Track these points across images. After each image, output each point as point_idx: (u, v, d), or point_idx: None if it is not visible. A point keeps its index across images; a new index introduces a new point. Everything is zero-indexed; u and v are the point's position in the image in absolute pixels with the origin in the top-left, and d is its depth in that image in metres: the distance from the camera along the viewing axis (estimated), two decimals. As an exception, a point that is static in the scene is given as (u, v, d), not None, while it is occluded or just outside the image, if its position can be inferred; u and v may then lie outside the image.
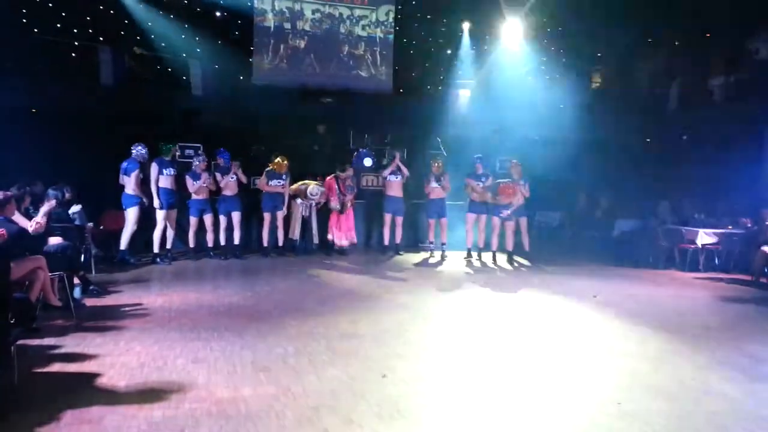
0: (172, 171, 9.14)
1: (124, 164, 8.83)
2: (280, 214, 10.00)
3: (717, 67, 12.14)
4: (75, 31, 12.37)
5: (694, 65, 12.95)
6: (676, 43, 13.89)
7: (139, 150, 8.86)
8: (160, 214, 9.00)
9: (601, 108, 14.09)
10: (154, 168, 8.93)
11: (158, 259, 9.05)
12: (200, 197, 9.41)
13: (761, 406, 3.99)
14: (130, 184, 8.75)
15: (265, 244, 10.04)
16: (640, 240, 10.59)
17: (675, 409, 3.89)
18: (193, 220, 9.45)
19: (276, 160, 9.80)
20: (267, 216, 9.93)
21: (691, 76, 12.85)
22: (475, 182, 10.18)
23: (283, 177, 9.92)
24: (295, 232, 10.32)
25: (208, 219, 9.50)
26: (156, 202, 8.93)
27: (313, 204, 10.21)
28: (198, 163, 9.40)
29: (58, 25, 12.18)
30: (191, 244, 9.56)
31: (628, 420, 3.68)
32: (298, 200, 10.15)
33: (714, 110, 11.96)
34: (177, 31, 13.35)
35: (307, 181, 10.19)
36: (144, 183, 8.92)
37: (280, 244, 10.13)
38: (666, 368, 4.72)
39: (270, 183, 9.83)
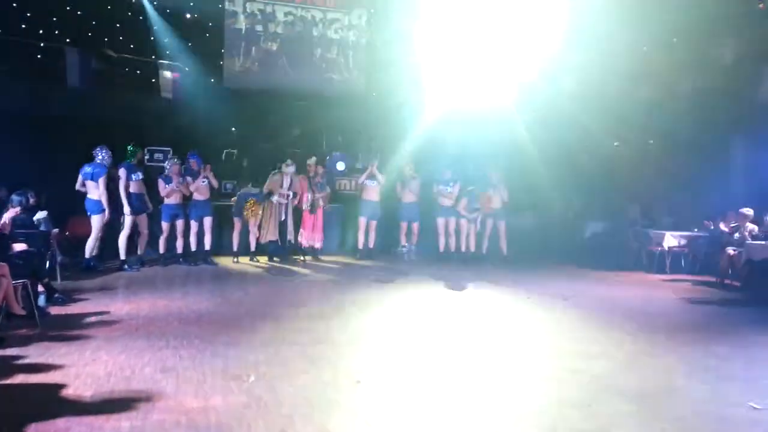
0: (140, 175, 8.98)
1: (89, 169, 8.53)
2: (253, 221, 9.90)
3: (684, 73, 12.37)
4: (41, 31, 12.10)
5: (661, 70, 13.19)
6: (644, 48, 14.14)
7: (103, 154, 8.62)
8: (127, 220, 8.83)
9: (572, 111, 14.26)
10: (122, 173, 8.75)
11: (125, 266, 8.86)
12: (173, 202, 9.25)
13: (726, 405, 4.07)
14: (96, 189, 8.51)
15: (235, 248, 9.93)
16: (611, 242, 10.77)
17: (643, 410, 3.94)
18: (165, 225, 9.28)
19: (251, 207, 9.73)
20: (237, 221, 9.82)
21: (659, 81, 13.08)
22: (443, 187, 10.31)
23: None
24: (271, 234, 10.07)
25: (180, 224, 9.35)
26: (126, 208, 8.75)
27: (288, 201, 10.02)
28: (170, 167, 9.24)
29: (23, 26, 11.90)
30: (161, 250, 9.38)
31: (596, 422, 3.71)
32: (274, 198, 9.93)
33: (681, 116, 12.19)
34: (146, 32, 13.16)
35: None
36: (109, 189, 8.73)
37: (252, 249, 10.01)
38: (634, 369, 4.79)
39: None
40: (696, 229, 9.99)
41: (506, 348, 5.33)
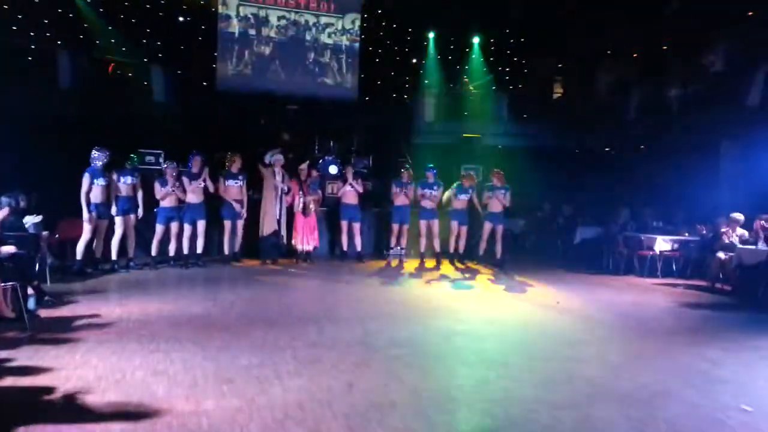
0: (129, 179, 8.94)
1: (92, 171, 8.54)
2: (240, 222, 9.85)
3: (674, 78, 12.49)
4: (32, 34, 12.04)
5: (651, 76, 13.31)
6: (635, 55, 14.27)
7: (99, 155, 8.56)
8: (117, 221, 8.80)
9: (562, 117, 14.37)
10: (114, 177, 8.77)
11: (116, 266, 8.83)
12: (168, 204, 9.20)
13: (718, 409, 4.08)
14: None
15: (227, 251, 9.90)
16: (601, 246, 10.81)
17: (636, 413, 3.94)
18: (159, 228, 9.21)
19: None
20: (227, 223, 9.79)
21: (649, 87, 13.20)
22: (427, 191, 10.53)
23: (240, 178, 9.80)
24: (269, 226, 9.95)
25: (174, 227, 9.30)
26: (113, 209, 8.75)
27: (282, 197, 9.94)
28: (169, 170, 9.19)
29: (14, 28, 11.84)
30: (154, 253, 9.32)
31: (590, 425, 3.72)
32: (273, 184, 9.85)
33: (672, 121, 12.30)
34: (139, 35, 13.13)
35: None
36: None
37: (236, 249, 9.95)
38: (627, 373, 4.80)
39: (227, 184, 9.68)
40: (687, 234, 10.05)
41: (498, 352, 5.33)
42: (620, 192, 11.77)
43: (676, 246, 9.87)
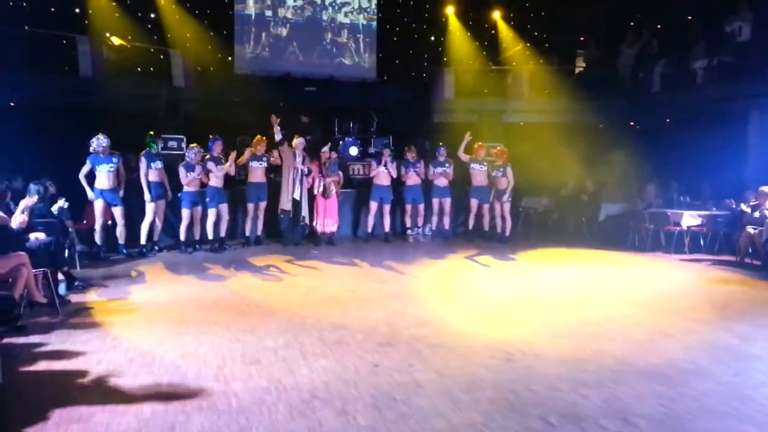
0: (159, 164, 9.05)
1: (115, 159, 8.67)
2: (263, 205, 9.92)
3: (699, 49, 12.16)
4: (52, 21, 12.12)
5: (676, 47, 12.98)
6: (659, 26, 13.92)
7: (99, 142, 8.56)
8: (149, 207, 8.94)
9: (585, 92, 14.11)
10: (143, 162, 8.87)
11: (143, 250, 9.00)
12: (193, 189, 9.27)
13: (749, 386, 4.03)
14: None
15: (248, 233, 10.01)
16: (627, 223, 10.65)
17: (665, 390, 3.91)
18: (186, 213, 9.27)
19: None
20: (250, 206, 9.87)
21: (674, 59, 12.88)
22: (439, 169, 10.64)
23: (263, 159, 9.87)
24: (284, 203, 9.89)
25: (198, 212, 9.39)
26: (147, 196, 8.89)
27: (303, 179, 9.96)
28: (193, 156, 9.25)
29: (34, 16, 11.93)
30: (183, 237, 9.37)
31: (618, 402, 3.70)
32: (293, 165, 9.83)
33: (697, 92, 12.00)
34: (156, 20, 13.15)
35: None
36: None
37: (258, 233, 10.05)
38: (655, 350, 4.75)
39: (252, 165, 9.77)
40: (714, 208, 9.84)
41: (522, 329, 5.31)
42: (645, 167, 11.54)
43: (703, 221, 9.68)
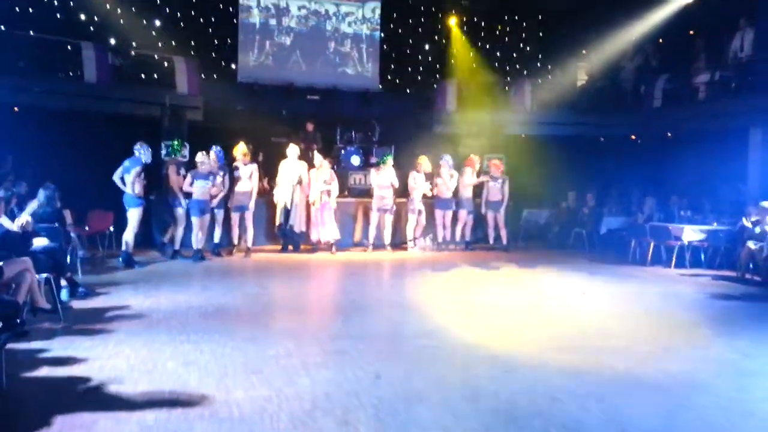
0: (183, 171, 9.32)
1: (127, 163, 8.55)
2: (248, 214, 9.84)
3: (701, 65, 12.24)
4: (58, 27, 12.19)
5: (678, 63, 13.06)
6: (660, 41, 14.00)
7: (142, 150, 8.61)
8: (180, 213, 9.28)
9: (587, 105, 14.18)
10: (172, 169, 9.25)
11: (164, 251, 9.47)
12: (201, 197, 9.25)
13: (749, 402, 4.04)
14: (131, 183, 8.56)
15: (235, 241, 10.05)
16: (627, 237, 10.67)
17: (666, 404, 3.92)
18: (196, 221, 9.20)
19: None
20: (234, 216, 9.83)
21: (676, 74, 12.95)
22: (441, 180, 10.74)
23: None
24: (280, 218, 10.07)
25: (206, 219, 9.36)
26: (183, 202, 9.20)
27: (297, 186, 10.01)
28: (204, 165, 9.26)
29: (40, 22, 12.00)
30: (200, 246, 9.28)
31: (619, 415, 3.70)
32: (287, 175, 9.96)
33: (699, 107, 12.06)
34: (161, 27, 13.21)
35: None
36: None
37: (249, 243, 9.93)
38: (656, 364, 4.76)
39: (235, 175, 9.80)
40: (715, 223, 9.86)
41: (523, 342, 5.32)
42: (646, 181, 11.60)
43: (704, 235, 9.69)
